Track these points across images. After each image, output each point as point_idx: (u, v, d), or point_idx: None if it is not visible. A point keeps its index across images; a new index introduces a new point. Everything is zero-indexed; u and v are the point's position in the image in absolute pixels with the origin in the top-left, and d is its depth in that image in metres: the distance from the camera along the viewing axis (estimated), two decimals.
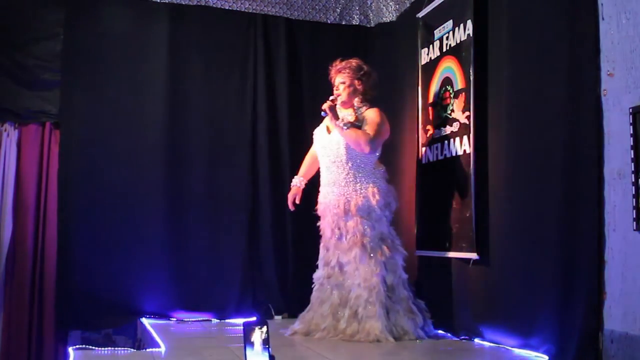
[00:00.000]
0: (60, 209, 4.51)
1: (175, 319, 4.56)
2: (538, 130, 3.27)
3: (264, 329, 2.70)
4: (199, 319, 4.62)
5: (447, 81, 4.09)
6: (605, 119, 2.86)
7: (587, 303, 2.86)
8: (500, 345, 3.51)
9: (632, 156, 2.69)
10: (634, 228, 2.68)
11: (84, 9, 4.68)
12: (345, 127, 3.75)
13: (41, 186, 4.61)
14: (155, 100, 4.74)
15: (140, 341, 4.31)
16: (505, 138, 3.55)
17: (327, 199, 3.88)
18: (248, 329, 2.70)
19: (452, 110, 3.99)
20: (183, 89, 4.81)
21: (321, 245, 3.96)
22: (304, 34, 5.14)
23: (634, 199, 2.68)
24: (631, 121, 2.71)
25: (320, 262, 3.95)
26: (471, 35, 3.80)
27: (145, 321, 4.40)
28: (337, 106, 3.90)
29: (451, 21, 4.05)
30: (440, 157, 4.11)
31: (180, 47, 4.82)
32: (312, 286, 3.97)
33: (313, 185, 4.10)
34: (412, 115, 4.51)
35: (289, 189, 4.16)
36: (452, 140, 3.97)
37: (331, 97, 3.89)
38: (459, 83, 3.95)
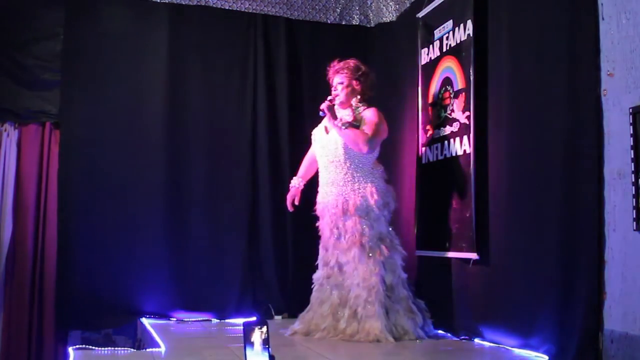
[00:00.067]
0: (60, 209, 4.51)
1: (175, 319, 4.56)
2: (538, 130, 3.27)
3: (264, 329, 2.70)
4: (199, 319, 4.62)
5: (447, 81, 4.09)
6: (605, 119, 2.87)
7: (587, 303, 2.86)
8: (500, 345, 3.51)
9: (632, 156, 2.69)
10: (634, 228, 2.68)
11: (84, 9, 4.68)
12: (343, 127, 3.76)
13: (41, 186, 4.61)
14: (155, 100, 4.74)
15: (140, 341, 4.31)
16: (505, 138, 3.55)
17: (326, 199, 3.89)
18: (248, 329, 2.70)
19: (452, 110, 3.99)
20: (183, 89, 4.81)
21: (320, 245, 3.96)
22: (304, 34, 5.14)
23: (634, 199, 2.68)
24: (631, 121, 2.71)
25: (319, 263, 3.96)
26: (471, 35, 3.80)
27: (145, 321, 4.40)
28: (336, 106, 3.91)
29: (451, 21, 4.05)
30: (440, 157, 4.11)
31: (180, 47, 4.82)
32: (312, 287, 3.98)
33: (313, 185, 4.10)
34: (412, 115, 4.51)
35: (289, 190, 4.16)
36: (452, 140, 3.97)
37: (329, 97, 3.90)
38: (459, 83, 3.95)
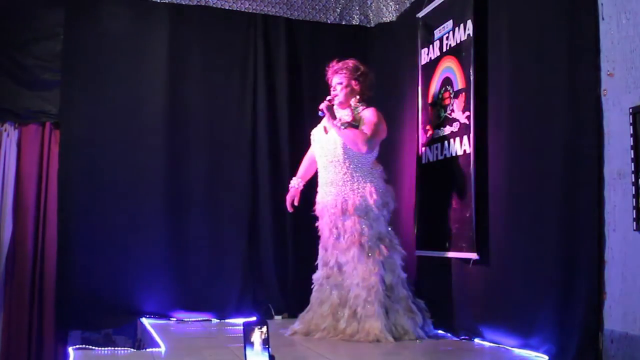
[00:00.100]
0: (60, 209, 4.51)
1: (175, 319, 4.56)
2: (538, 130, 3.27)
3: (264, 329, 2.70)
4: (199, 319, 4.62)
5: (447, 81, 4.09)
6: (605, 119, 2.87)
7: (587, 303, 2.86)
8: (500, 345, 3.51)
9: (632, 156, 2.69)
10: (634, 228, 2.68)
11: (84, 9, 4.68)
12: (342, 127, 3.76)
13: (41, 186, 4.61)
14: (155, 100, 4.74)
15: (140, 341, 4.31)
16: (505, 138, 3.55)
17: (325, 199, 3.89)
18: (248, 329, 2.70)
19: (452, 110, 3.99)
20: (183, 89, 4.81)
21: (320, 245, 3.96)
22: (304, 34, 5.14)
23: (634, 199, 2.68)
24: (631, 121, 2.71)
25: (319, 263, 3.96)
26: (471, 35, 3.80)
27: (145, 321, 4.40)
28: (335, 106, 3.91)
29: (451, 21, 4.05)
30: (440, 157, 4.11)
31: (180, 47, 4.82)
32: (312, 287, 3.98)
33: (313, 185, 4.10)
34: (412, 115, 4.51)
35: (288, 190, 4.16)
36: (452, 140, 3.97)
37: (328, 98, 3.90)
38: (459, 83, 3.95)
